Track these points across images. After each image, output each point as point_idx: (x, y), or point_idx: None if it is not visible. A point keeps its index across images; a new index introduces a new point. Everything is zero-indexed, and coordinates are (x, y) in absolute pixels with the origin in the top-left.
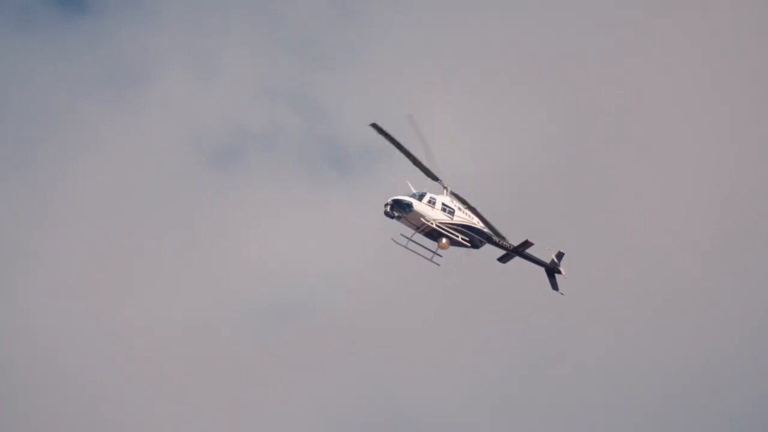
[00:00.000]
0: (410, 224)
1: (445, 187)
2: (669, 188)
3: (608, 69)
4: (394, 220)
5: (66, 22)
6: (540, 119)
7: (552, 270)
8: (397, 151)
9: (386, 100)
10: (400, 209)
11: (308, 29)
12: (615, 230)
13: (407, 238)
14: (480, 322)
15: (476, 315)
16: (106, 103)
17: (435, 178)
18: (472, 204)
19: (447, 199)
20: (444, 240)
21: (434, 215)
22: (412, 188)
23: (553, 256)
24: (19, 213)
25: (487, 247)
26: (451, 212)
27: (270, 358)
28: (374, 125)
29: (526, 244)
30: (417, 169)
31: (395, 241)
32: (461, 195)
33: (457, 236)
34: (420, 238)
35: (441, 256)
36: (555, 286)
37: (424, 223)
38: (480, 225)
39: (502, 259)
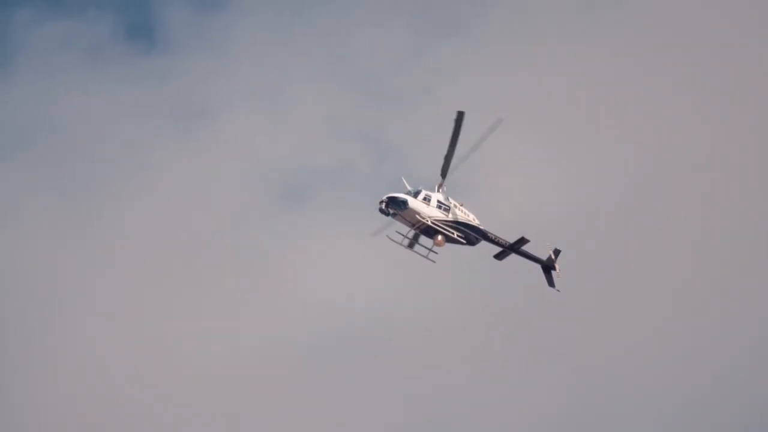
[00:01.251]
0: (406, 221)
1: (440, 185)
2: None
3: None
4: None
5: (135, 58)
6: (601, 159)
7: (548, 267)
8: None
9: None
10: (395, 206)
11: (378, 66)
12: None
13: (403, 235)
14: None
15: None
16: (175, 139)
17: (444, 175)
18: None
19: (442, 197)
20: (440, 237)
21: (430, 212)
22: (407, 185)
23: (550, 253)
24: (86, 247)
25: (483, 244)
26: (447, 209)
27: (343, 393)
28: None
29: (522, 241)
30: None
31: (391, 239)
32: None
33: (453, 233)
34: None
35: (437, 253)
36: (551, 283)
37: (420, 221)
38: (476, 222)
39: (499, 256)
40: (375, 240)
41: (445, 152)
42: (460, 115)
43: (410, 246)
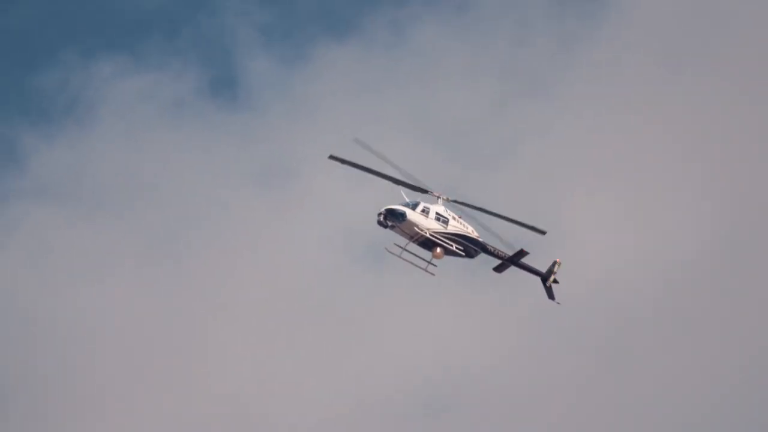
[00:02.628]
0: (404, 234)
1: (438, 197)
2: None
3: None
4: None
5: (218, 113)
6: (687, 220)
7: (547, 279)
8: None
9: (538, 196)
10: (393, 219)
11: (463, 123)
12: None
13: (401, 248)
14: None
15: None
16: (258, 196)
17: (424, 191)
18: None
19: (441, 209)
20: (438, 249)
21: (428, 224)
22: (405, 197)
23: (550, 266)
24: (168, 304)
25: (482, 257)
26: (446, 221)
27: None
28: (332, 157)
29: (521, 253)
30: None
31: (389, 251)
32: (461, 200)
33: (452, 245)
34: (414, 247)
35: (436, 265)
36: (551, 296)
37: (418, 233)
38: (475, 234)
39: (498, 269)
40: (457, 298)
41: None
42: (335, 158)
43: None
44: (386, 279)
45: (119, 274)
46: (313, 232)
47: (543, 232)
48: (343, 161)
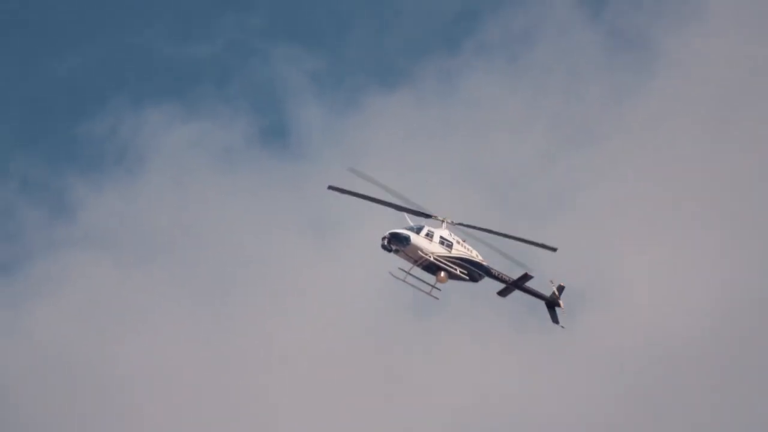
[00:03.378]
0: (408, 258)
1: (442, 221)
2: None
3: None
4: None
5: (269, 161)
6: (741, 269)
7: (552, 303)
8: None
9: (586, 246)
10: (397, 243)
11: (511, 174)
12: None
13: (405, 272)
14: None
15: None
16: (307, 245)
17: (428, 216)
18: (474, 237)
19: (446, 233)
20: (442, 273)
21: (432, 248)
22: (409, 221)
23: (554, 289)
24: (217, 352)
25: (487, 281)
26: (450, 245)
27: None
28: (331, 187)
29: (526, 277)
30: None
31: (393, 275)
32: (466, 223)
33: (456, 269)
34: (419, 272)
35: (440, 289)
36: (555, 320)
37: (422, 257)
38: (479, 258)
39: (502, 293)
40: (502, 343)
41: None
42: (335, 189)
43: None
44: (431, 329)
45: (168, 322)
46: (360, 281)
47: (554, 249)
48: (342, 191)
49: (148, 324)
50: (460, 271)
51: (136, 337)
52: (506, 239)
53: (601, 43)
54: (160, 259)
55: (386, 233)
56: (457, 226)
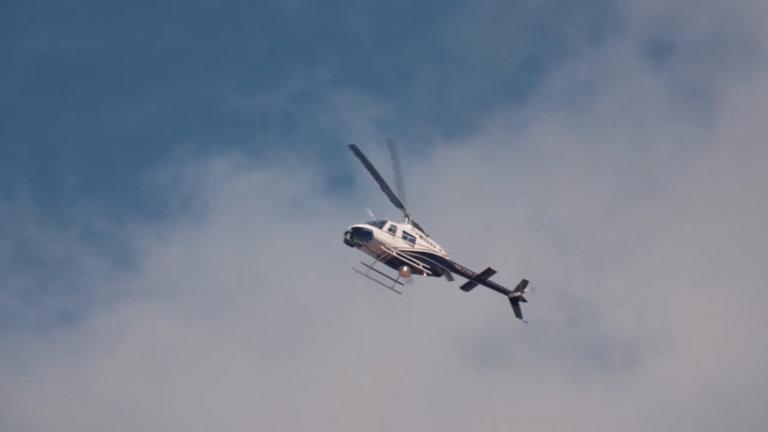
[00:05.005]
0: (371, 252)
1: (407, 216)
2: None
3: None
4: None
5: (335, 210)
6: None
7: (515, 298)
8: None
9: (651, 297)
10: (360, 237)
11: (577, 224)
12: None
13: (368, 266)
14: None
15: None
16: (372, 297)
17: (400, 206)
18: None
19: (408, 227)
20: (405, 268)
21: (395, 243)
22: (372, 216)
23: (518, 285)
24: (282, 403)
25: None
26: (413, 240)
27: None
28: (352, 146)
29: (489, 272)
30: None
31: (356, 270)
32: (422, 226)
33: (419, 264)
34: (381, 266)
35: (402, 284)
36: (519, 314)
37: (385, 251)
38: (442, 253)
39: (465, 288)
40: (568, 396)
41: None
42: (354, 149)
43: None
44: (491, 381)
45: (232, 373)
46: (424, 334)
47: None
48: (360, 154)
49: (212, 376)
50: (423, 266)
51: (200, 389)
52: None
53: (665, 93)
54: (224, 309)
55: (349, 227)
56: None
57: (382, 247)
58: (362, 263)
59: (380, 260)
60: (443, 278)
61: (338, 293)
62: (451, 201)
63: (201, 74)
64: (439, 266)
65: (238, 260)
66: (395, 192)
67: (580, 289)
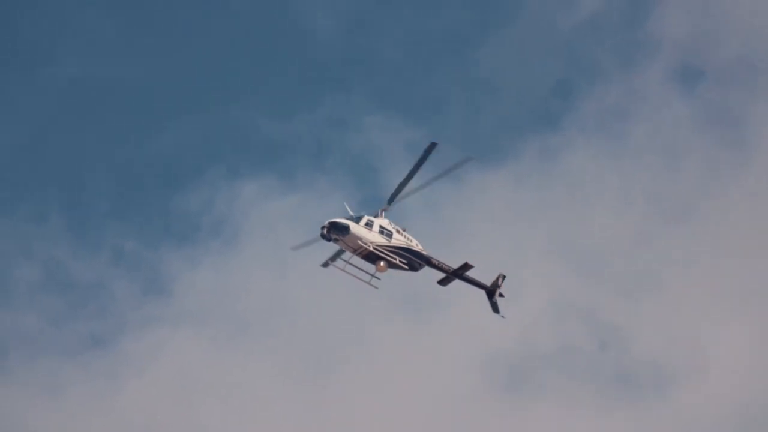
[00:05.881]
0: (348, 247)
1: (383, 210)
2: None
3: None
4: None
5: None
6: None
7: (493, 292)
8: None
9: (681, 323)
10: (336, 232)
11: (606, 249)
12: None
13: (345, 261)
14: None
15: None
16: (402, 322)
17: (390, 202)
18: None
19: (385, 222)
20: (382, 263)
21: (372, 238)
22: (349, 210)
23: (495, 279)
24: (312, 429)
25: (427, 270)
26: (389, 235)
27: None
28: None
29: (466, 266)
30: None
31: (332, 265)
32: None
33: (395, 259)
34: (358, 261)
35: (379, 279)
36: (496, 309)
37: (362, 246)
38: (419, 248)
39: (442, 282)
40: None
41: (402, 179)
42: (432, 146)
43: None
44: (524, 404)
45: (263, 398)
46: (453, 358)
47: (471, 159)
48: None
49: (242, 401)
50: (400, 261)
51: (229, 414)
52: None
53: (696, 117)
54: (254, 334)
55: (325, 222)
56: (393, 203)
57: (359, 242)
58: (341, 258)
59: (357, 255)
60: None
61: (368, 317)
62: (484, 225)
63: (233, 99)
64: (415, 261)
65: (268, 285)
66: (401, 189)
67: (610, 314)
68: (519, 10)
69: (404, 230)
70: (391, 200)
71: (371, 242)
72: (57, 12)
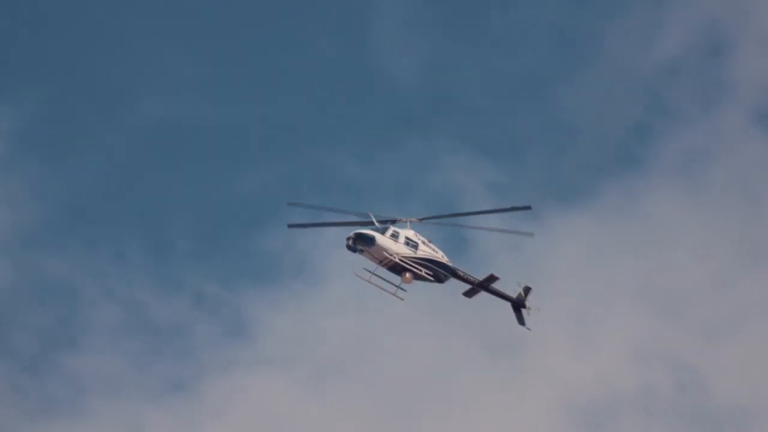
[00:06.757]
0: (373, 258)
1: (409, 221)
2: None
3: None
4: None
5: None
6: None
7: (518, 305)
8: None
9: (762, 370)
10: (362, 243)
11: (687, 291)
12: None
13: (370, 272)
14: None
15: None
16: (484, 367)
17: (393, 221)
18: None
19: (411, 233)
20: (408, 274)
21: (397, 249)
22: (375, 222)
23: (520, 291)
24: None
25: (452, 282)
26: (415, 246)
27: None
28: (291, 226)
29: (492, 278)
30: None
31: (358, 276)
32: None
33: (421, 270)
34: (384, 272)
35: (405, 290)
36: (521, 321)
37: (387, 257)
38: (445, 259)
39: (468, 294)
40: None
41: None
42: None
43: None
44: None
45: None
46: (534, 401)
47: (528, 208)
48: (303, 226)
49: None
50: (425, 272)
51: None
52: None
53: None
54: (337, 377)
55: (351, 233)
56: (424, 221)
57: (385, 253)
58: (365, 269)
59: (382, 266)
60: None
61: (451, 360)
62: (564, 266)
63: (316, 141)
64: (441, 272)
65: (351, 327)
66: (365, 219)
67: (690, 357)
68: (598, 52)
69: (430, 242)
70: (423, 218)
71: (397, 254)
72: (142, 54)
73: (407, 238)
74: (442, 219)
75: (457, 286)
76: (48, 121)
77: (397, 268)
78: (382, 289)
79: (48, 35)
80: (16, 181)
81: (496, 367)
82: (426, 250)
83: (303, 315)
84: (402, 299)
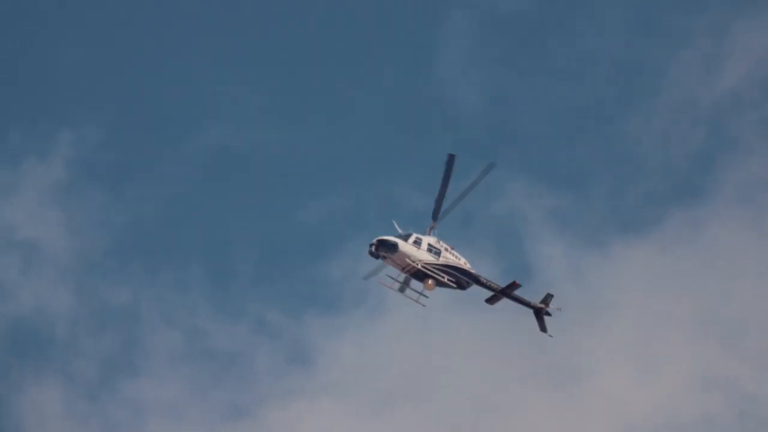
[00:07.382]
0: (396, 265)
1: (432, 228)
2: None
3: None
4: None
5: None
6: None
7: (540, 311)
8: None
9: None
10: (385, 250)
11: (746, 318)
12: None
13: (393, 279)
14: None
15: None
16: (544, 393)
17: (435, 219)
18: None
19: (433, 240)
20: (430, 281)
21: (420, 256)
22: (398, 228)
23: (543, 297)
24: None
25: (474, 288)
26: (438, 253)
27: None
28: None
29: (514, 285)
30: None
31: (381, 282)
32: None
33: (443, 277)
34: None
35: (427, 297)
36: (543, 328)
37: (410, 264)
38: (467, 266)
39: (490, 301)
40: None
41: (436, 195)
42: (451, 158)
43: (401, 290)
44: None
45: None
46: (596, 426)
47: (493, 165)
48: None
49: None
50: (448, 279)
51: None
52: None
53: None
54: (399, 406)
55: (374, 240)
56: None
57: (407, 260)
58: (387, 276)
59: (405, 273)
60: None
61: (510, 387)
62: (628, 295)
63: (379, 171)
64: (464, 279)
65: (413, 356)
66: (440, 205)
67: (752, 386)
68: (662, 82)
69: (453, 248)
70: (434, 217)
71: (419, 260)
72: (206, 82)
73: (430, 244)
74: (445, 210)
75: (480, 293)
76: (110, 147)
77: (419, 275)
78: (404, 295)
79: (111, 62)
80: (78, 208)
81: (558, 393)
82: (448, 257)
83: (364, 343)
84: (424, 306)
